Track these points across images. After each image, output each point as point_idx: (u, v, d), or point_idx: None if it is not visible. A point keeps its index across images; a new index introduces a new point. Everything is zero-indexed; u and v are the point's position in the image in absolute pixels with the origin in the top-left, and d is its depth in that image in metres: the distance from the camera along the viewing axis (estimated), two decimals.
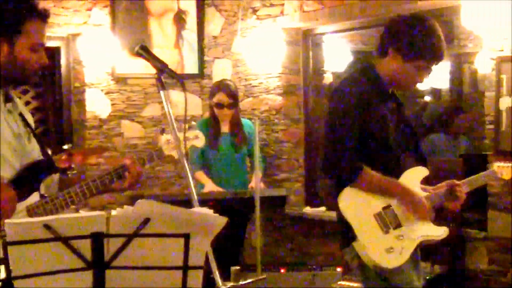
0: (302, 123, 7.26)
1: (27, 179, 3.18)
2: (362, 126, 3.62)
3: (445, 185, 3.90)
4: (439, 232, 3.84)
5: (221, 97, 6.32)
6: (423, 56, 3.66)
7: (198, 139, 3.91)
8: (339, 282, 5.36)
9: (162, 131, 3.72)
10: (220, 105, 6.31)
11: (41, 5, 3.15)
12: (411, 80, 3.79)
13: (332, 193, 3.77)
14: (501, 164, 4.27)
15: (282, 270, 5.79)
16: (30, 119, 3.42)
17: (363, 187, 3.63)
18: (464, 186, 3.93)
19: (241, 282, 4.99)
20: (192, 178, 3.62)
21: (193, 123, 3.96)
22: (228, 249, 5.76)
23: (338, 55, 7.96)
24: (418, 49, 3.65)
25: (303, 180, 7.31)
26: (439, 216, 5.47)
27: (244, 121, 6.56)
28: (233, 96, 6.39)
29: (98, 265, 2.06)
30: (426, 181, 3.98)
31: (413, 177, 3.83)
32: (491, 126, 5.56)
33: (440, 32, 3.71)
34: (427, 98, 10.56)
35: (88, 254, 2.04)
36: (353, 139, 3.57)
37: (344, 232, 3.66)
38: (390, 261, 3.58)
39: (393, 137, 3.76)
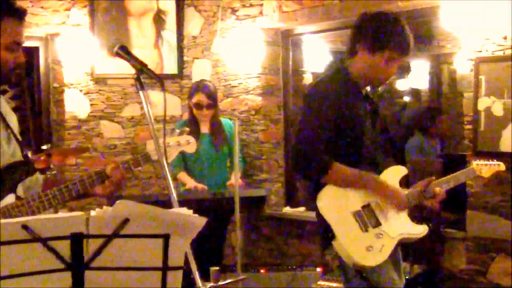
0: (282, 123, 7.27)
1: (2, 181, 3.15)
2: (335, 126, 3.63)
3: (422, 183, 3.92)
4: (419, 230, 3.86)
5: (200, 97, 6.30)
6: (388, 46, 3.69)
7: (190, 145, 3.89)
8: (319, 282, 5.37)
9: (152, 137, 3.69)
10: (199, 106, 6.29)
11: (19, 4, 3.13)
12: (381, 73, 3.80)
13: (311, 193, 3.78)
14: (480, 162, 4.31)
15: (262, 271, 5.80)
16: (14, 120, 3.40)
17: (338, 183, 3.64)
18: (443, 184, 3.95)
19: (220, 283, 4.98)
20: (173, 179, 3.62)
21: (176, 130, 3.93)
22: (208, 249, 5.77)
23: (317, 55, 7.97)
24: (382, 40, 3.69)
25: (282, 180, 7.32)
26: (420, 215, 5.52)
27: (225, 120, 6.54)
28: (212, 96, 6.38)
29: (77, 266, 2.05)
30: (405, 181, 4.00)
31: (392, 176, 3.85)
32: (470, 127, 5.59)
33: (405, 25, 3.76)
34: (406, 99, 10.62)
35: (67, 255, 2.03)
36: (323, 137, 3.58)
37: (323, 232, 3.67)
38: (370, 260, 3.59)
39: (367, 138, 3.78)
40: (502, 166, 4.41)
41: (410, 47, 3.77)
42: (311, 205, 3.72)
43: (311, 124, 3.63)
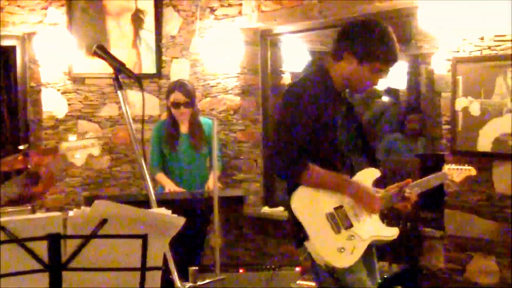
0: (261, 123, 7.26)
1: None
2: (312, 127, 3.63)
3: (396, 186, 3.93)
4: (390, 233, 3.88)
5: (176, 96, 6.27)
6: (378, 59, 3.70)
7: (95, 147, 3.94)
8: (297, 282, 5.37)
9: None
10: (176, 104, 6.26)
11: None
12: (366, 82, 3.82)
13: (286, 193, 3.78)
14: (452, 166, 4.36)
15: (241, 270, 5.79)
16: None
17: (313, 184, 3.64)
18: (415, 188, 3.97)
19: (199, 283, 4.97)
20: (151, 180, 3.62)
21: (90, 133, 4.02)
22: (187, 249, 5.76)
23: (296, 55, 7.97)
24: (373, 52, 3.69)
25: (261, 180, 7.32)
26: (395, 216, 5.54)
27: (204, 120, 6.51)
28: (189, 94, 6.35)
29: (55, 266, 2.03)
30: (383, 179, 4.01)
31: (365, 178, 3.86)
32: (448, 126, 5.61)
33: (393, 35, 3.76)
34: (385, 99, 10.64)
35: (44, 256, 2.02)
36: (300, 138, 3.58)
37: (296, 232, 3.67)
38: (341, 261, 3.61)
39: (342, 139, 3.79)
40: (473, 171, 4.45)
41: (398, 57, 3.79)
42: (287, 205, 3.72)
43: (288, 124, 3.64)
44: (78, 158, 3.69)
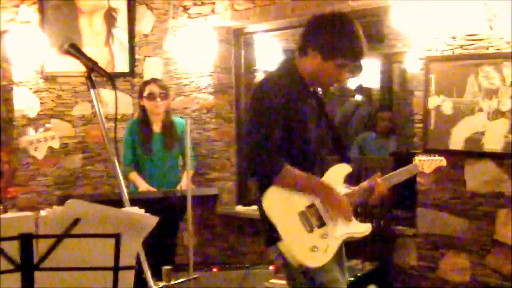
0: (234, 122, 7.27)
1: None
2: (283, 123, 3.62)
3: (367, 182, 3.94)
4: (363, 229, 3.88)
5: (152, 87, 6.23)
6: (342, 54, 3.67)
7: (54, 140, 3.94)
8: (271, 281, 5.38)
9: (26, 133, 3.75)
10: (152, 96, 6.21)
11: None
12: (332, 78, 3.79)
13: (259, 193, 3.76)
14: (423, 158, 4.37)
15: (214, 269, 5.79)
16: None
17: (286, 185, 3.63)
18: (387, 181, 3.97)
19: (172, 282, 4.97)
20: (125, 179, 3.61)
21: (48, 125, 4.02)
22: (160, 248, 5.75)
23: (269, 54, 8.00)
24: (336, 48, 3.65)
25: (235, 179, 7.32)
26: (368, 214, 5.56)
27: (176, 119, 6.49)
28: (164, 87, 6.34)
29: (27, 266, 2.02)
30: (356, 177, 4.02)
31: (336, 175, 3.85)
32: (420, 125, 5.64)
33: (359, 30, 3.72)
34: (357, 97, 10.69)
35: (16, 256, 2.01)
36: (274, 136, 3.56)
37: (268, 232, 3.65)
38: (315, 260, 3.59)
39: (313, 135, 3.78)
40: (443, 161, 4.47)
41: (363, 53, 3.76)
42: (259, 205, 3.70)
43: (261, 123, 3.60)
44: (38, 151, 3.69)
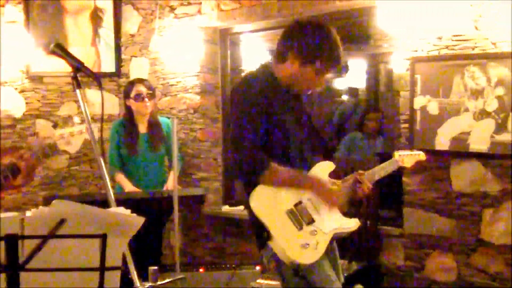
0: (220, 122, 7.27)
1: None
2: (261, 124, 3.63)
3: (352, 177, 3.96)
4: (351, 224, 3.90)
5: (139, 88, 6.20)
6: (320, 60, 3.70)
7: (85, 134, 3.93)
8: (258, 281, 5.38)
9: (55, 126, 3.72)
10: (139, 97, 6.18)
11: None
12: (310, 83, 3.83)
13: (244, 193, 3.77)
14: (402, 152, 4.44)
15: (201, 270, 5.78)
16: None
17: (273, 183, 3.64)
18: (369, 176, 4.00)
19: (159, 282, 4.96)
20: (111, 180, 3.60)
21: (76, 118, 4.02)
22: (146, 249, 5.73)
23: (256, 54, 8.00)
24: (314, 54, 3.69)
25: (221, 179, 7.32)
26: (354, 212, 5.57)
27: (162, 119, 6.47)
28: (151, 87, 6.33)
29: (12, 267, 2.02)
30: (342, 177, 4.04)
31: (321, 172, 3.87)
32: (406, 125, 5.66)
33: (336, 37, 3.76)
34: (344, 97, 10.71)
35: (1, 257, 2.00)
36: (256, 136, 3.58)
37: (259, 232, 3.66)
38: (306, 257, 3.60)
39: (294, 137, 3.79)
40: (422, 155, 4.54)
41: (341, 59, 3.80)
42: (247, 205, 3.71)
43: (242, 126, 3.61)
44: (71, 146, 3.66)
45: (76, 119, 4.04)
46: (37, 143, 3.85)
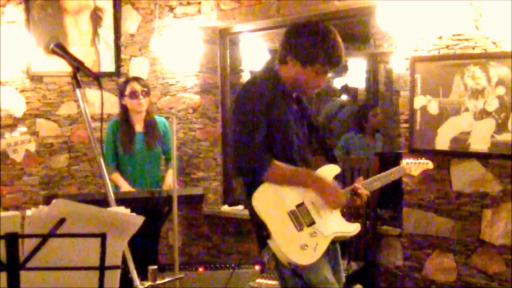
0: (220, 121, 7.28)
1: None
2: (266, 126, 3.64)
3: (354, 183, 3.96)
4: (351, 229, 3.90)
5: (133, 85, 6.18)
6: (320, 61, 3.71)
7: (31, 143, 3.97)
8: (257, 280, 5.37)
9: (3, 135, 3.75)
10: (134, 94, 6.15)
11: None
12: (310, 84, 3.83)
13: (246, 192, 3.78)
14: (410, 160, 4.43)
15: (200, 269, 5.79)
16: None
17: (276, 180, 3.64)
18: (373, 183, 4.01)
19: (158, 282, 4.95)
20: (109, 179, 3.60)
21: (23, 128, 4.05)
22: (145, 248, 5.73)
23: (255, 53, 8.00)
24: (314, 55, 3.70)
25: (220, 178, 7.33)
26: (353, 213, 5.57)
27: (158, 118, 6.46)
28: (145, 85, 6.30)
29: (13, 266, 2.02)
30: (342, 177, 4.04)
31: (326, 175, 3.87)
32: (406, 125, 5.66)
33: (336, 35, 3.76)
34: (343, 97, 10.70)
35: (2, 255, 2.00)
36: (259, 135, 3.59)
37: (259, 231, 3.66)
38: (304, 258, 3.60)
39: (296, 138, 3.80)
40: (430, 164, 4.53)
41: (341, 60, 3.80)
42: (247, 203, 3.71)
43: (245, 124, 3.63)
44: (17, 154, 3.70)
45: (22, 129, 4.06)
46: None
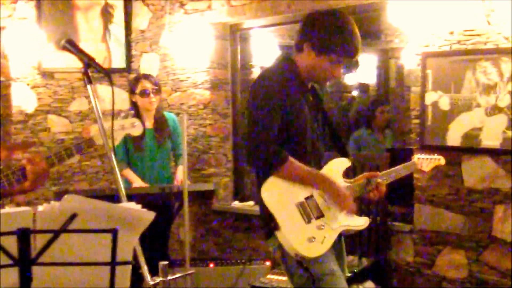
0: (230, 117, 7.28)
1: None
2: (280, 116, 3.64)
3: (364, 176, 3.95)
4: (360, 222, 3.89)
5: (144, 84, 6.19)
6: (334, 50, 3.69)
7: (135, 127, 3.84)
8: (267, 276, 5.38)
9: (95, 121, 3.65)
10: (144, 93, 6.17)
11: None
12: (326, 74, 3.81)
13: (256, 184, 3.78)
14: (422, 156, 4.42)
15: (210, 265, 5.80)
16: None
17: (288, 177, 3.64)
18: (384, 177, 3.99)
19: (169, 277, 4.96)
20: (120, 175, 3.60)
21: (122, 113, 3.91)
22: (156, 244, 5.74)
23: (265, 49, 8.00)
24: (329, 44, 3.68)
25: (231, 174, 7.34)
26: (364, 210, 5.56)
27: (168, 114, 6.47)
28: (156, 83, 6.31)
29: (24, 261, 2.02)
30: (353, 172, 4.03)
31: (335, 168, 3.86)
32: (417, 121, 5.64)
33: (354, 27, 3.73)
34: (354, 93, 10.69)
35: (14, 251, 2.00)
36: (274, 129, 3.59)
37: (266, 223, 3.67)
38: (312, 251, 3.59)
39: (310, 130, 3.79)
40: (442, 160, 4.51)
41: (358, 50, 3.77)
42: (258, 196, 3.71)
43: (261, 116, 3.62)
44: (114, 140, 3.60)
45: (121, 114, 3.99)
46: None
